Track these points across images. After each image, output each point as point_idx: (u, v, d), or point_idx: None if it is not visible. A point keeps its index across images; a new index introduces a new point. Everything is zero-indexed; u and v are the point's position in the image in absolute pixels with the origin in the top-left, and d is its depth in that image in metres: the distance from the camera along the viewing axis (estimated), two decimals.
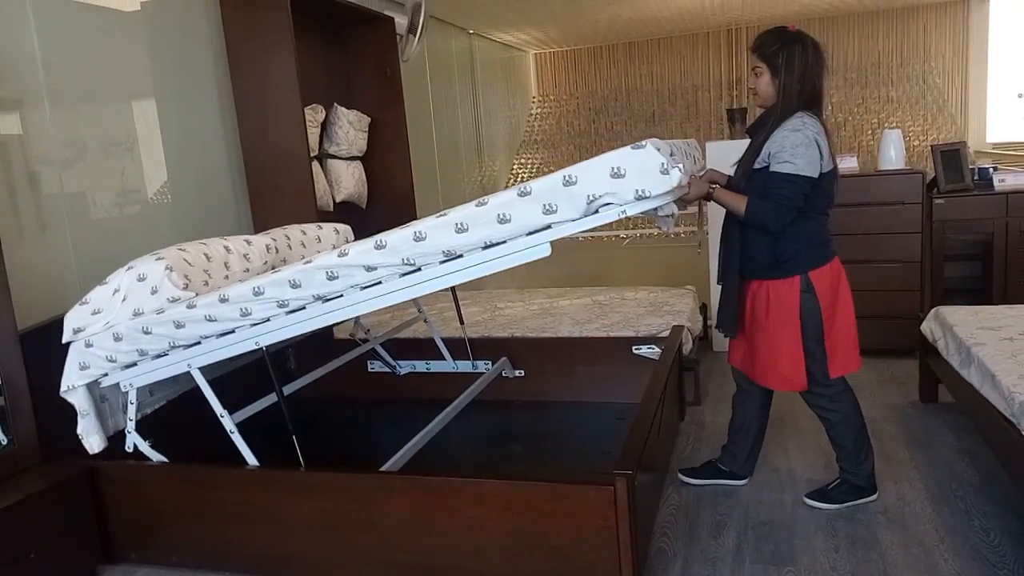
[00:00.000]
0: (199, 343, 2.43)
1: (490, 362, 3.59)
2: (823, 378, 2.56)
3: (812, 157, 2.33)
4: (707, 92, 8.76)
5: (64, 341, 2.51)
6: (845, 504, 2.65)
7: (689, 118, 8.83)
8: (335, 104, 4.37)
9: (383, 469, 2.40)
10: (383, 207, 4.62)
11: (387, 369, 3.75)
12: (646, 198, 1.95)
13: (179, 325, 2.37)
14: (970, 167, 4.27)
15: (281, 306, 2.30)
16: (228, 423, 2.47)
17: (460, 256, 2.14)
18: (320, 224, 3.24)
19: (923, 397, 3.60)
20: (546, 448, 3.23)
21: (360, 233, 2.97)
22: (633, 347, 3.43)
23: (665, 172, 1.90)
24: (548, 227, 2.04)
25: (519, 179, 8.53)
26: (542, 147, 8.97)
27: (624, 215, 2.00)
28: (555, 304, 4.22)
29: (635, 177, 1.93)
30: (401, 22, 4.92)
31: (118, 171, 3.20)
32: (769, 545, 2.45)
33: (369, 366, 3.78)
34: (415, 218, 4.05)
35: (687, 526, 2.60)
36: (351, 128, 4.39)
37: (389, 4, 4.98)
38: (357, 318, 3.50)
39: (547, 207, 2.00)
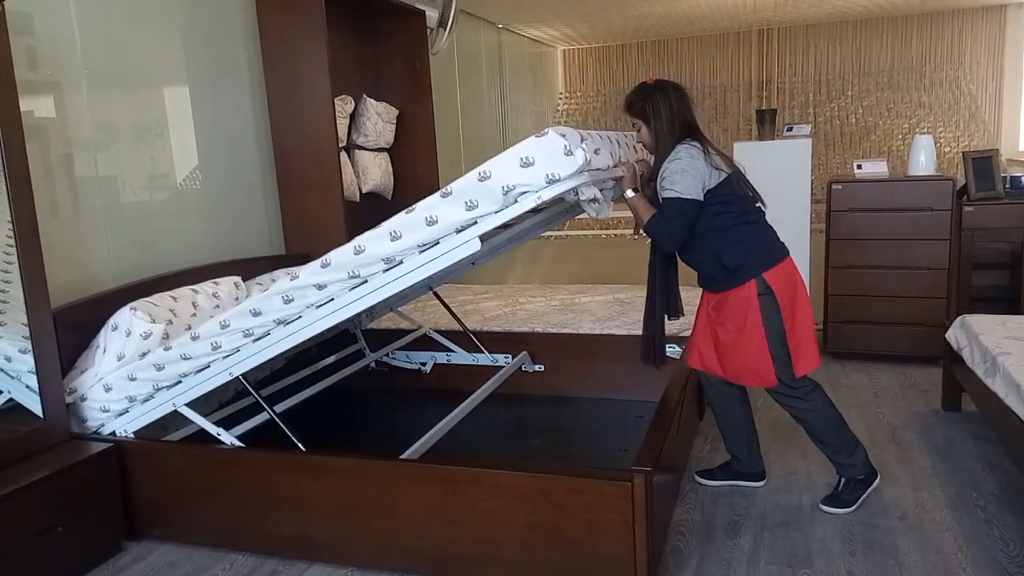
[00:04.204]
0: (180, 382, 2.56)
1: (510, 356, 3.62)
2: (790, 380, 2.61)
3: (689, 181, 2.49)
4: (736, 92, 8.70)
5: (66, 403, 2.62)
6: (858, 502, 2.65)
7: (717, 118, 8.78)
8: (364, 95, 4.40)
9: (403, 457, 2.43)
10: (409, 199, 4.61)
11: (410, 363, 3.80)
12: (557, 180, 2.03)
13: (159, 368, 2.53)
14: (1002, 175, 4.22)
15: (247, 335, 2.42)
16: (227, 438, 2.59)
17: (401, 262, 2.23)
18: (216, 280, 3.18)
19: (946, 405, 3.56)
20: (564, 443, 3.25)
21: None
22: None
23: (569, 153, 2.00)
24: (474, 222, 2.14)
25: None
26: None
27: (540, 200, 2.07)
28: (576, 300, 4.22)
29: (543, 163, 2.01)
30: (432, 15, 4.95)
31: (149, 155, 3.26)
32: (785, 547, 2.44)
33: (391, 358, 3.82)
34: None
35: (703, 525, 2.61)
36: (379, 120, 4.42)
37: None
38: (362, 318, 3.59)
39: (469, 203, 2.10)
